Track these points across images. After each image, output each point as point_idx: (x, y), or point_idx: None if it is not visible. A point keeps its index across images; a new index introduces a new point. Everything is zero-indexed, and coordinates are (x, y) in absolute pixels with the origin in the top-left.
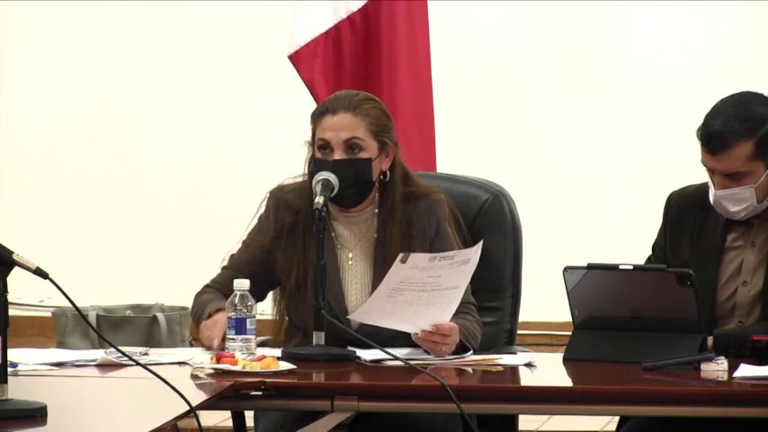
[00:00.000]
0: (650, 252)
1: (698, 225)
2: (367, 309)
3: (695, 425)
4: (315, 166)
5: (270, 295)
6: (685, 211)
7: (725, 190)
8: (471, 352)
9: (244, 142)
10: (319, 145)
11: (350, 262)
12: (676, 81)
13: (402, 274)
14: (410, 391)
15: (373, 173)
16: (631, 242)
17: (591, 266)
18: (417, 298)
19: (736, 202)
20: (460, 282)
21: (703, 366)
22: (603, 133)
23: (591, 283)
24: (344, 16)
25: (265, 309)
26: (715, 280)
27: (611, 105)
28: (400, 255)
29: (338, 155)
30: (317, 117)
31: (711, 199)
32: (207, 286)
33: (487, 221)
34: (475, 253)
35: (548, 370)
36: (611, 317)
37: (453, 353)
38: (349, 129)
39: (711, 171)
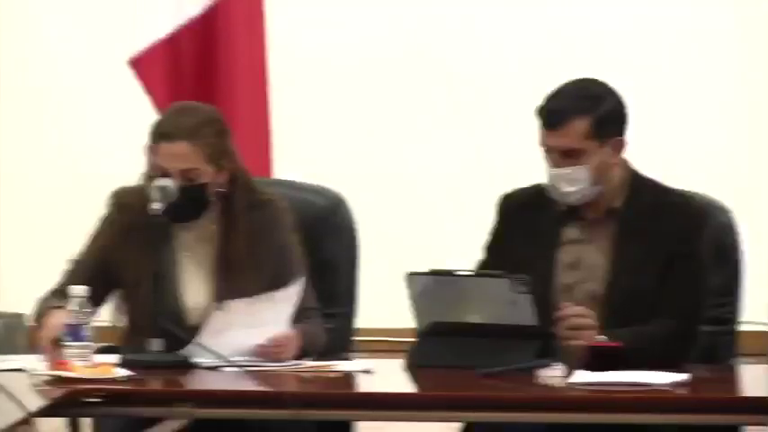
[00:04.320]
0: (484, 254)
1: (532, 222)
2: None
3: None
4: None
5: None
6: (518, 209)
7: (560, 169)
8: (313, 358)
9: (83, 147)
10: (157, 169)
11: (190, 266)
12: (514, 86)
13: (222, 320)
14: (247, 398)
15: (210, 193)
16: (473, 247)
17: (433, 272)
18: (246, 334)
19: (570, 182)
20: (284, 314)
21: (540, 372)
22: (442, 139)
23: (433, 289)
24: (183, 22)
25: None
26: (550, 274)
27: (448, 111)
28: (215, 306)
29: (175, 180)
30: (155, 139)
31: (547, 180)
32: (51, 291)
33: (325, 228)
34: (295, 291)
35: (386, 376)
36: (453, 323)
37: (297, 358)
38: (185, 159)
39: (548, 150)
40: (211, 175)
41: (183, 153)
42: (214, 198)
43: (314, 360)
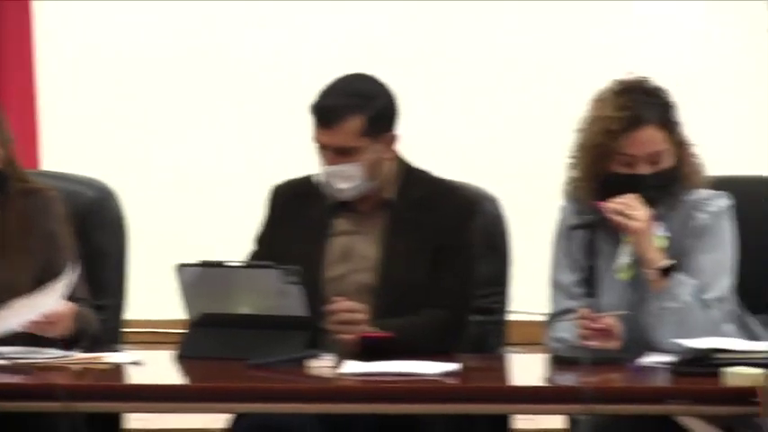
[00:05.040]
0: (255, 245)
1: (303, 212)
2: None
3: None
4: None
5: None
6: (289, 200)
7: (335, 166)
8: (83, 348)
9: None
10: None
11: None
12: (287, 83)
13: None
14: (16, 390)
15: None
16: (244, 239)
17: (202, 264)
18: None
19: (345, 179)
20: (56, 299)
21: (310, 363)
22: (211, 132)
23: (204, 281)
24: None
25: None
26: (320, 264)
27: (218, 104)
28: None
29: None
30: None
31: (320, 178)
32: None
33: (94, 220)
34: (67, 279)
35: (156, 368)
36: (225, 314)
37: (72, 339)
38: None
39: (322, 147)
40: None
41: None
42: None
43: (84, 351)
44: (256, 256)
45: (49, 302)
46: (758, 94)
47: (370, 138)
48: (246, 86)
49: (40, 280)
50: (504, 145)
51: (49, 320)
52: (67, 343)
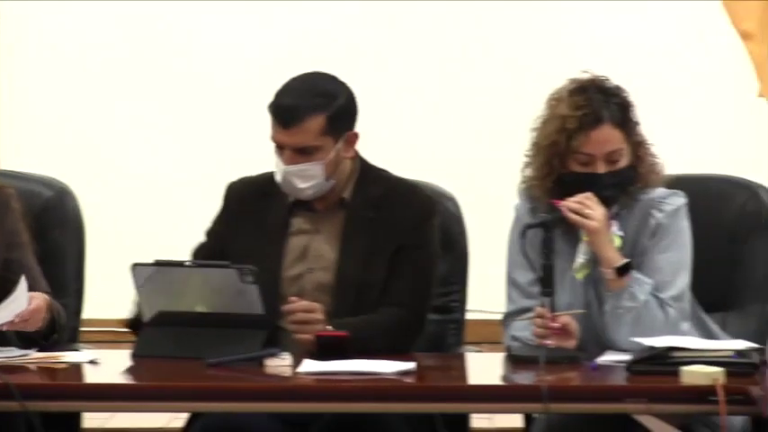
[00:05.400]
0: (207, 239)
1: (260, 210)
2: None
3: None
4: None
5: None
6: (246, 197)
7: (294, 166)
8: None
9: None
10: None
11: None
12: (242, 79)
13: None
14: None
15: None
16: (200, 238)
17: (158, 263)
18: None
19: (304, 178)
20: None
21: (267, 362)
22: (166, 130)
23: (159, 280)
24: None
25: None
26: (279, 264)
27: (173, 102)
28: None
29: None
30: None
31: (279, 177)
32: None
33: (51, 218)
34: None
35: (113, 367)
36: (180, 313)
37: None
38: None
39: (281, 147)
40: None
41: None
42: None
43: (52, 345)
44: (204, 248)
45: (22, 302)
46: (712, 93)
47: (330, 137)
48: (203, 85)
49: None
50: (462, 144)
51: (25, 318)
52: (44, 335)
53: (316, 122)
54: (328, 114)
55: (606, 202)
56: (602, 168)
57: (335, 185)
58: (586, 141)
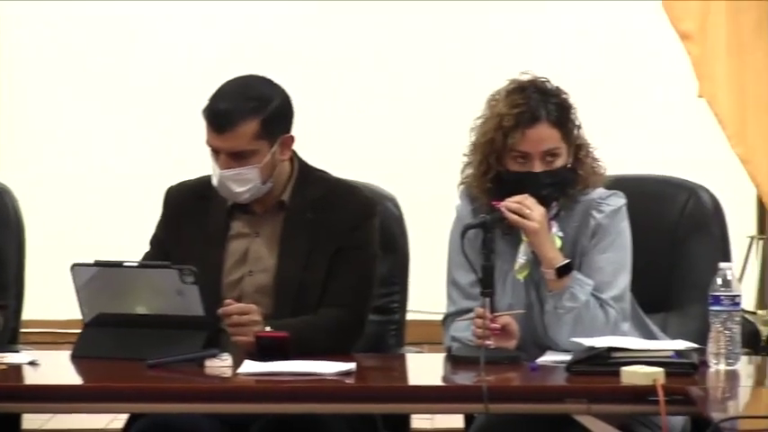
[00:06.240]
0: (151, 247)
1: (200, 215)
2: None
3: None
4: None
5: None
6: (186, 202)
7: (230, 170)
8: None
9: None
10: None
11: None
12: (185, 80)
13: None
14: None
15: None
16: (141, 240)
17: (98, 263)
18: None
19: (240, 182)
20: None
21: (208, 363)
22: (110, 131)
23: (99, 281)
24: None
25: None
26: (220, 268)
27: (117, 104)
28: None
29: None
30: None
31: (215, 181)
32: None
33: None
34: None
35: (53, 368)
36: (121, 314)
37: None
38: None
39: (217, 151)
40: None
41: None
42: None
43: None
44: (150, 257)
45: None
46: (653, 93)
47: (266, 140)
48: (143, 87)
49: None
50: (402, 144)
51: None
52: None
53: (249, 127)
54: (262, 118)
55: (543, 201)
56: (538, 167)
57: (274, 188)
58: (522, 139)
